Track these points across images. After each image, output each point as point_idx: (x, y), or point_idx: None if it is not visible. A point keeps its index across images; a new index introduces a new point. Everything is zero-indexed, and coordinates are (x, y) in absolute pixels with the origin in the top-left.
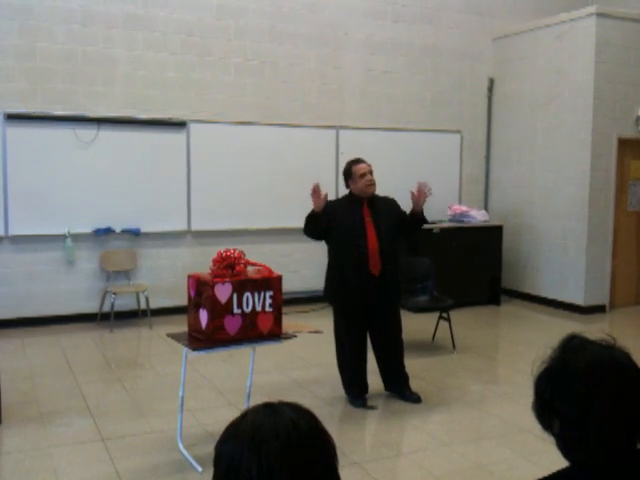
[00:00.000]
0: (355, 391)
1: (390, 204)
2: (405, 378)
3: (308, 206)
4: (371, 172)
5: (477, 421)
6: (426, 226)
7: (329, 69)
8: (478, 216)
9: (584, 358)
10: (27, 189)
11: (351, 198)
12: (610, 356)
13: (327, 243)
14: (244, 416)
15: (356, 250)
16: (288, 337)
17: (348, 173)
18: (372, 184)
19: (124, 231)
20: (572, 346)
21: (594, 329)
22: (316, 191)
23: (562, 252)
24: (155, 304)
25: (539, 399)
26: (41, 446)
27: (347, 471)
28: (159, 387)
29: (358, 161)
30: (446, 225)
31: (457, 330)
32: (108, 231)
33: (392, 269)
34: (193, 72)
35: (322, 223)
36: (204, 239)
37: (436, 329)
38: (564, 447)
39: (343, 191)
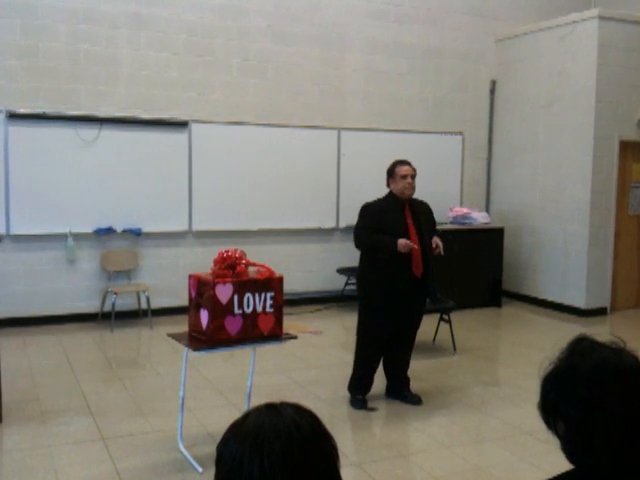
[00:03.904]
0: (359, 391)
1: (426, 208)
2: (406, 380)
3: (309, 207)
4: (413, 176)
5: (478, 423)
6: None
7: (331, 70)
8: (479, 218)
9: (592, 362)
10: (29, 188)
11: (392, 199)
12: (618, 361)
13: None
14: (246, 416)
15: (401, 252)
16: (289, 338)
17: (391, 172)
18: (411, 187)
19: (125, 231)
20: (580, 348)
21: (595, 332)
22: (408, 245)
23: (563, 254)
24: (156, 304)
25: (545, 400)
26: (41, 445)
27: (347, 472)
28: (159, 387)
29: (403, 162)
30: (447, 227)
31: (458, 332)
32: (109, 231)
33: (431, 271)
34: (195, 72)
35: (377, 229)
36: (205, 239)
37: (437, 331)
38: (569, 450)
39: (344, 192)
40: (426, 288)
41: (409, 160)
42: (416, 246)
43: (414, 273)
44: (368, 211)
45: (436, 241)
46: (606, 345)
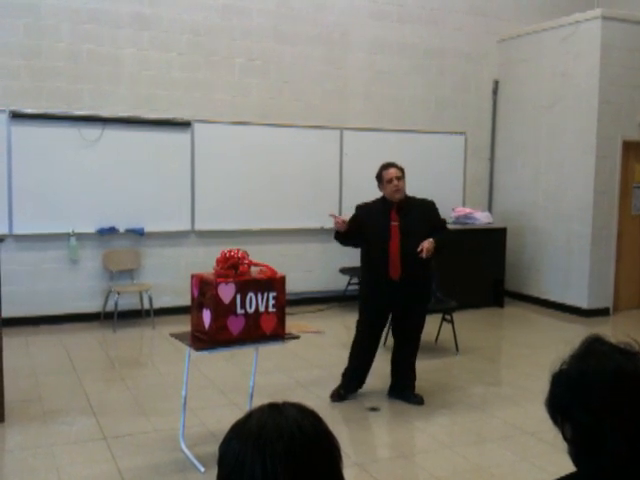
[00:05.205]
0: (342, 386)
1: (425, 208)
2: (410, 380)
3: (312, 207)
4: (399, 178)
5: (479, 423)
6: None
7: (333, 70)
8: (482, 218)
9: (605, 370)
10: (32, 188)
11: (383, 202)
12: (632, 369)
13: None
14: (249, 416)
15: (378, 254)
16: (291, 338)
17: (379, 177)
18: (398, 190)
19: (128, 230)
20: (594, 351)
21: (598, 332)
22: (337, 222)
23: (566, 254)
24: (158, 304)
25: (555, 403)
26: (43, 444)
27: (349, 472)
28: (162, 386)
29: (388, 166)
30: (450, 227)
31: (460, 332)
32: (112, 230)
33: (417, 274)
34: (198, 72)
35: (353, 229)
36: (208, 239)
37: (439, 331)
38: (575, 453)
39: (346, 192)
40: (420, 291)
41: (411, 161)
42: (340, 220)
43: (391, 276)
44: (356, 212)
45: (423, 244)
46: (619, 348)
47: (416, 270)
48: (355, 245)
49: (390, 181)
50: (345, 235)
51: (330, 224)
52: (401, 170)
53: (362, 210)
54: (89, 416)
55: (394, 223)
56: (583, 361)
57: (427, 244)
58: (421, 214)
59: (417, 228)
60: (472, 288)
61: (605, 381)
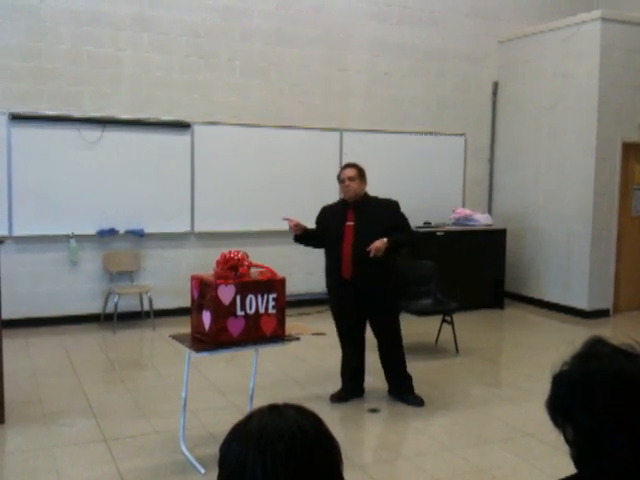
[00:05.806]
0: (345, 384)
1: (386, 209)
2: (406, 381)
3: (312, 208)
4: (351, 178)
5: (480, 425)
6: (430, 229)
7: (334, 71)
8: (482, 219)
9: (609, 372)
10: (32, 189)
11: (341, 202)
12: (636, 371)
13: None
14: (249, 418)
15: (333, 253)
16: (291, 339)
17: (338, 177)
18: (347, 190)
19: (128, 232)
20: (596, 353)
21: (600, 334)
22: (290, 227)
23: (566, 256)
24: (158, 305)
25: (557, 404)
26: (44, 446)
27: (349, 473)
28: (162, 388)
29: (345, 166)
30: (450, 228)
31: (460, 333)
32: (112, 232)
33: (368, 274)
34: (198, 74)
35: (318, 232)
36: (207, 240)
37: (439, 332)
38: (577, 455)
39: None
40: (375, 290)
41: (411, 162)
42: (292, 225)
43: (343, 275)
44: (319, 213)
45: (374, 243)
46: (621, 350)
47: (367, 269)
48: (316, 246)
49: (342, 181)
50: (304, 237)
51: None
52: (358, 171)
53: (325, 211)
54: (89, 418)
55: (349, 223)
56: (585, 362)
57: (378, 243)
58: (379, 214)
59: (372, 228)
60: (472, 289)
61: (607, 383)
